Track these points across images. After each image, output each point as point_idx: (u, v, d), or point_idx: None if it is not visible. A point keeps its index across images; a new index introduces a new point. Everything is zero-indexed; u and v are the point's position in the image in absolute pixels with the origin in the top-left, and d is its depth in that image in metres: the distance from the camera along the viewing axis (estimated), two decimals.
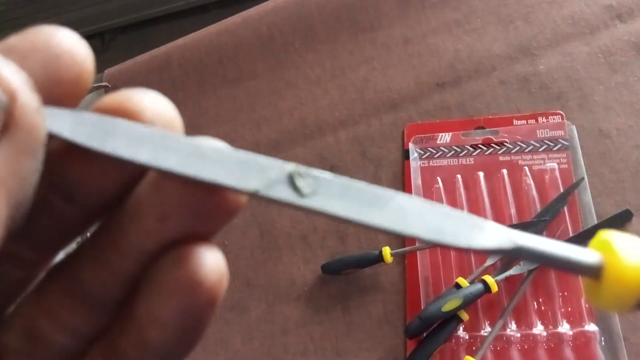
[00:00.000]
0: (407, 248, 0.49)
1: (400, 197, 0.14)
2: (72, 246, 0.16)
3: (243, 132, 0.62)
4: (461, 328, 0.45)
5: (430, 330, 0.44)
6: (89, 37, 1.71)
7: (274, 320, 0.52)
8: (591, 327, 0.43)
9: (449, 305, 0.43)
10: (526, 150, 0.50)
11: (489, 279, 0.44)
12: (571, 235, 0.45)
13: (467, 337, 0.45)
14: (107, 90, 0.70)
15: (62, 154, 0.15)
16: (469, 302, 0.44)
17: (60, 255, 0.16)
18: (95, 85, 0.70)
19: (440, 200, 0.50)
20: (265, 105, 0.63)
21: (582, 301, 0.44)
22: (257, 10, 0.66)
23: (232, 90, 0.65)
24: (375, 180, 0.54)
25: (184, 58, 0.67)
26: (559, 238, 0.46)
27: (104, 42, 1.72)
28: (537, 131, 0.50)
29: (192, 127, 0.64)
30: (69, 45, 0.14)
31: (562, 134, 0.49)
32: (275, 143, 0.60)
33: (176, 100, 0.68)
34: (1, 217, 0.13)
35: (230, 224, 0.58)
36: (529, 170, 0.49)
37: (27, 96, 0.13)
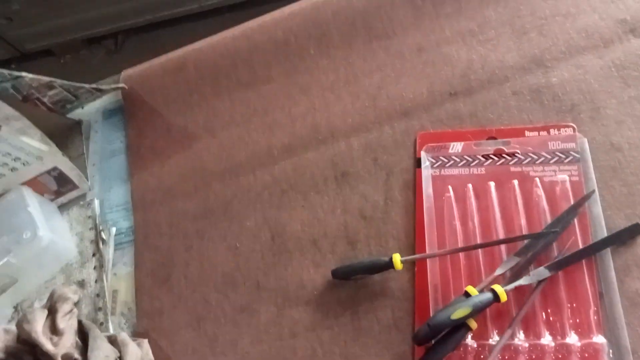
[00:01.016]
0: (417, 255, 0.50)
1: None
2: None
3: (256, 135, 0.63)
4: (469, 336, 0.46)
5: (439, 337, 0.45)
6: (102, 37, 1.73)
7: (283, 323, 0.53)
8: (599, 339, 0.43)
9: (458, 314, 0.43)
10: (537, 162, 0.50)
11: (498, 288, 0.44)
12: (581, 247, 0.46)
13: (475, 346, 0.45)
14: (124, 91, 0.70)
15: None
16: (478, 311, 0.44)
17: None
18: (112, 86, 0.70)
19: (450, 209, 0.51)
20: (278, 110, 0.63)
21: (591, 312, 0.44)
22: (273, 15, 0.67)
23: (246, 93, 0.66)
24: (387, 187, 0.55)
25: (200, 61, 0.68)
26: (569, 250, 0.46)
27: (117, 42, 1.73)
28: (549, 143, 0.50)
29: (206, 130, 0.65)
30: None
31: (574, 146, 0.50)
32: (287, 147, 0.61)
33: (191, 102, 0.69)
34: None
35: (242, 226, 0.59)
36: (540, 182, 0.49)
37: None
